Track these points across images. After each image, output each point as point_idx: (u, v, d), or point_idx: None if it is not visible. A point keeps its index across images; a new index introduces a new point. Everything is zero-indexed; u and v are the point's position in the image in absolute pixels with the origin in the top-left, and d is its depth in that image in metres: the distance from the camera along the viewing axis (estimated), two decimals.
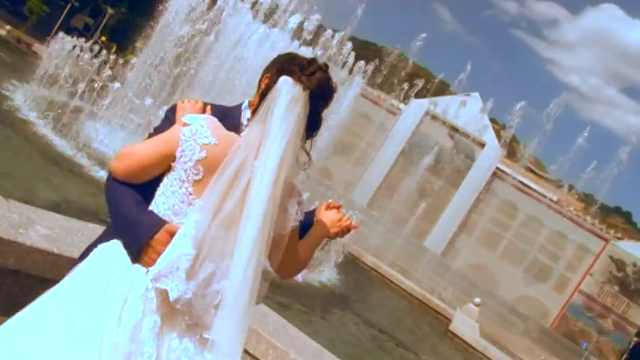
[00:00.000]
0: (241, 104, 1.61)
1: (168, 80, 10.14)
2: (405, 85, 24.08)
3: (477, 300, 10.41)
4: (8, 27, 19.46)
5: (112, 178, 1.47)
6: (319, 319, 6.00)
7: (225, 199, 1.33)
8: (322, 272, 7.93)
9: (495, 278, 25.47)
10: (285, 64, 1.44)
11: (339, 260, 8.53)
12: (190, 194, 1.37)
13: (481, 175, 24.45)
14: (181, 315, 1.33)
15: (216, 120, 1.43)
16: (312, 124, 1.45)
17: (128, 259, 1.37)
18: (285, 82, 1.38)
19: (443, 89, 26.67)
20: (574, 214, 27.02)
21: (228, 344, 1.32)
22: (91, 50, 11.79)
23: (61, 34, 11.26)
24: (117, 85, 9.47)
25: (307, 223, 1.64)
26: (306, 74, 1.42)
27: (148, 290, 1.32)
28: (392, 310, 8.93)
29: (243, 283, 1.33)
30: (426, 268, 15.30)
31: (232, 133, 1.41)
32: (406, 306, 9.53)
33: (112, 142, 7.85)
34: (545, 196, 26.20)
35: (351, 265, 9.56)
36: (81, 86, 9.23)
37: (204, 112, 1.51)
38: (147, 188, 1.42)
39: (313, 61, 1.48)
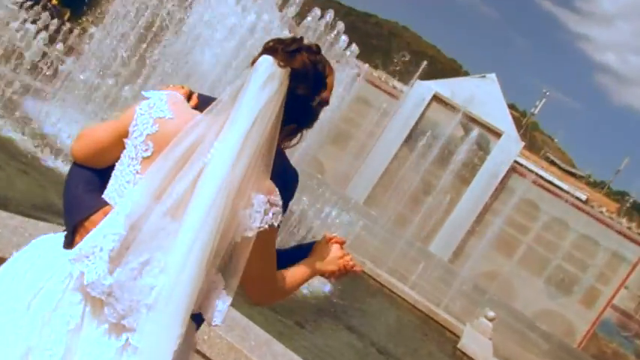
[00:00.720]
0: None
1: (133, 57, 10.13)
2: (405, 64, 24.09)
3: (491, 314, 10.55)
4: None
5: (72, 163, 1.54)
6: (308, 334, 6.09)
7: (173, 181, 1.34)
8: (312, 280, 8.01)
9: (512, 289, 25.69)
10: (268, 44, 1.46)
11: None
12: (137, 173, 1.39)
13: (497, 170, 24.61)
14: (105, 310, 1.33)
15: (181, 97, 1.46)
16: (294, 111, 1.45)
17: (60, 245, 1.40)
18: (265, 60, 1.41)
19: (454, 70, 26.78)
20: (606, 215, 27.28)
21: (152, 353, 1.31)
22: (35, 22, 11.71)
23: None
24: (70, 60, 9.45)
25: (299, 254, 1.69)
26: (287, 51, 1.43)
27: (71, 278, 1.33)
28: (391, 324, 9.05)
29: (178, 282, 1.32)
30: (431, 276, 15.43)
31: (196, 111, 1.43)
32: (408, 319, 9.65)
33: (68, 127, 7.86)
34: (572, 195, 26.42)
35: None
36: (26, 60, 9.19)
37: (189, 100, 1.53)
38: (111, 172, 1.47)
39: (299, 39, 1.49)
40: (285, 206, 1.68)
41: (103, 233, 1.33)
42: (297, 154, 9.67)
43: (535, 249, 26.35)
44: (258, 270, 1.48)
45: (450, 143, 23.12)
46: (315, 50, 1.50)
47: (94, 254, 1.32)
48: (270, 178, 1.46)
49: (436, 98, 24.44)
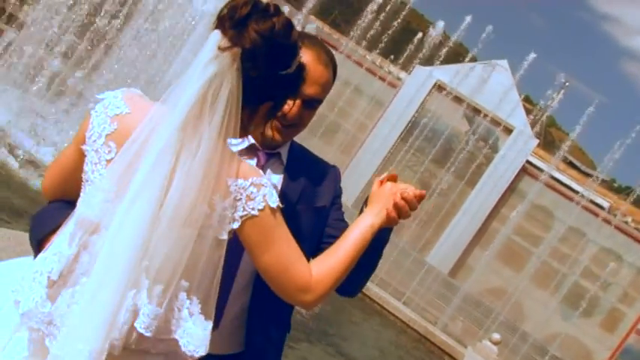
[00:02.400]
0: None
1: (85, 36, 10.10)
2: (401, 43, 24.15)
3: (496, 336, 10.68)
4: None
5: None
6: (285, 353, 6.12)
7: (129, 179, 1.38)
8: None
9: (521, 308, 25.89)
10: (222, 12, 1.46)
11: None
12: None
13: (506, 171, 24.79)
14: (47, 343, 1.34)
15: (138, 92, 1.51)
16: (260, 89, 1.47)
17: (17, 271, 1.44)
18: (212, 38, 1.43)
19: (459, 54, 27.02)
20: (632, 226, 27.58)
21: (78, 330, 1.32)
22: None
23: None
24: (12, 33, 9.41)
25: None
26: (234, 22, 1.43)
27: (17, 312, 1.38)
28: (381, 345, 9.12)
29: (110, 276, 1.33)
30: (428, 291, 15.55)
31: (153, 103, 1.48)
32: (401, 340, 9.74)
33: (6, 109, 7.84)
34: (592, 202, 26.66)
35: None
36: None
37: None
38: None
39: (249, 2, 1.45)
40: (341, 192, 1.96)
41: (45, 255, 1.37)
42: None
43: (548, 263, 26.56)
44: (271, 262, 1.48)
45: (453, 139, 23.28)
46: (271, 13, 1.46)
47: (34, 279, 1.35)
48: (318, 181, 1.61)
49: (438, 87, 24.57)
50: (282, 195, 1.76)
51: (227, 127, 1.42)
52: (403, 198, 1.61)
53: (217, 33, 1.43)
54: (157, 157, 1.36)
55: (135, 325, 1.36)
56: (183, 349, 1.41)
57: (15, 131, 7.24)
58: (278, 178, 1.84)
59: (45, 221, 1.49)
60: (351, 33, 21.88)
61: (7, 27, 9.31)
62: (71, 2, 9.95)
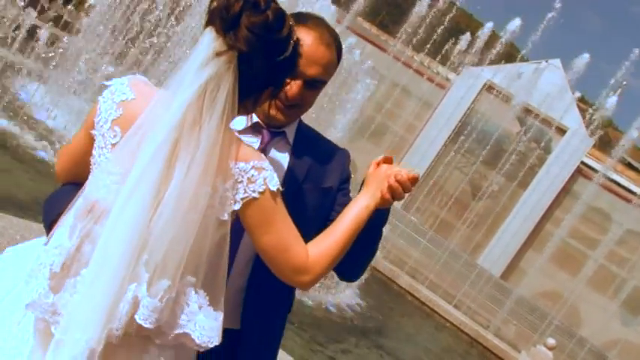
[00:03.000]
0: None
1: (137, 40, 10.32)
2: (450, 43, 23.91)
3: (551, 341, 10.47)
4: None
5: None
6: (330, 354, 6.14)
7: (131, 165, 1.42)
8: (341, 294, 8.08)
9: (577, 312, 25.34)
10: (212, 4, 1.46)
11: (364, 278, 8.67)
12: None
13: (560, 172, 24.34)
14: (52, 331, 1.39)
15: (144, 79, 1.55)
16: (258, 80, 1.51)
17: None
18: (206, 37, 1.45)
19: (509, 54, 26.63)
20: None
21: (79, 319, 1.37)
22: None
23: None
24: (66, 37, 9.67)
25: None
26: (227, 22, 1.43)
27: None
28: (430, 348, 9.05)
29: (110, 262, 1.37)
30: (479, 294, 15.35)
31: (157, 89, 1.52)
32: (452, 343, 9.64)
33: (62, 115, 8.07)
34: None
35: (379, 285, 9.69)
36: (14, 34, 9.46)
37: None
38: None
39: None
40: (349, 176, 1.94)
41: (48, 247, 1.43)
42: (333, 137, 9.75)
43: (606, 266, 25.95)
44: (269, 244, 1.52)
45: (504, 140, 22.96)
46: (262, 8, 1.46)
47: (38, 271, 1.41)
48: (325, 162, 1.63)
49: (488, 87, 24.30)
50: (289, 173, 1.82)
51: (227, 116, 1.47)
52: (397, 180, 1.62)
53: (211, 32, 1.44)
54: (156, 148, 1.41)
55: (135, 317, 1.39)
56: (197, 341, 1.45)
57: (72, 134, 7.42)
58: (283, 157, 1.85)
59: (55, 204, 1.55)
60: (399, 34, 21.79)
61: (63, 33, 9.60)
62: (124, 9, 10.22)
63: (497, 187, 22.98)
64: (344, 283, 8.22)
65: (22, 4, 9.78)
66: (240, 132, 1.76)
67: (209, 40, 1.44)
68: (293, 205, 1.67)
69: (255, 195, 1.48)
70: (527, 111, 23.79)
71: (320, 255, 1.57)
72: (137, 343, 1.45)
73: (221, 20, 1.43)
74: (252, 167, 1.48)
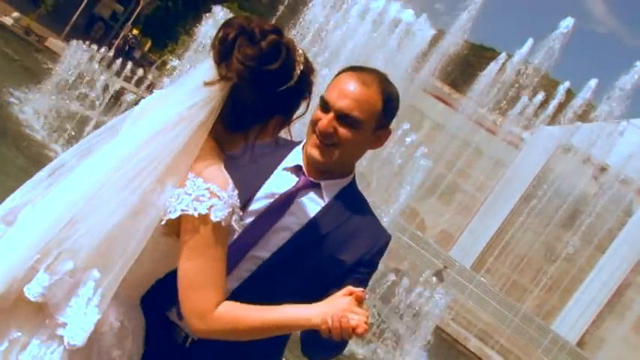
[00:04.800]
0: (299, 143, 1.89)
1: None
2: (525, 102, 23.73)
3: None
4: (16, 14, 20.14)
5: None
6: None
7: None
8: (407, 356, 7.99)
9: None
10: (217, 34, 1.51)
11: (430, 340, 8.55)
12: None
13: None
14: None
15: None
16: (261, 112, 1.53)
17: None
18: (203, 66, 1.52)
19: (587, 113, 26.20)
20: None
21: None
22: (112, 64, 13.02)
23: (74, 43, 12.36)
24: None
25: None
26: (220, 56, 1.47)
27: None
28: None
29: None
30: None
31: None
32: None
33: None
34: None
35: (447, 349, 9.51)
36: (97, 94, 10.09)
37: None
38: None
39: (238, 25, 1.47)
40: (374, 265, 1.82)
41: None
42: (394, 206, 9.81)
43: None
44: (186, 272, 1.45)
45: (581, 201, 22.37)
46: (257, 39, 1.47)
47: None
48: (354, 236, 1.66)
49: (563, 147, 23.88)
50: (308, 226, 1.76)
51: (202, 132, 1.48)
52: (340, 323, 1.46)
53: (208, 63, 1.50)
54: (133, 133, 1.52)
55: (25, 286, 1.41)
56: (61, 331, 1.42)
57: None
58: (311, 208, 1.80)
59: None
60: (470, 93, 21.87)
61: (147, 94, 10.22)
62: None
63: (572, 250, 22.31)
64: (410, 343, 8.13)
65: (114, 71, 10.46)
66: (285, 169, 1.83)
67: (207, 67, 1.49)
68: (295, 256, 1.71)
69: (194, 214, 1.43)
70: (606, 171, 23.23)
71: (227, 316, 1.46)
72: (29, 316, 1.44)
73: (216, 50, 1.47)
74: (207, 189, 1.44)
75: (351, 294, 1.51)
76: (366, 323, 1.47)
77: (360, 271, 1.79)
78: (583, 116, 24.76)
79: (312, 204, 1.81)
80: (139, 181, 1.44)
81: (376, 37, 15.02)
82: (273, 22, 1.60)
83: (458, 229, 24.24)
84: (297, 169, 1.83)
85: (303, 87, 1.57)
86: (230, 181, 1.48)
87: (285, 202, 1.78)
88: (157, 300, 1.68)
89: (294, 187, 1.80)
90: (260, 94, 1.49)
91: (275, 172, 1.84)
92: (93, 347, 1.47)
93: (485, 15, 19.51)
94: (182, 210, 1.43)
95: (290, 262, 1.74)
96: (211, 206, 1.42)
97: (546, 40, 21.18)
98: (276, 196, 1.78)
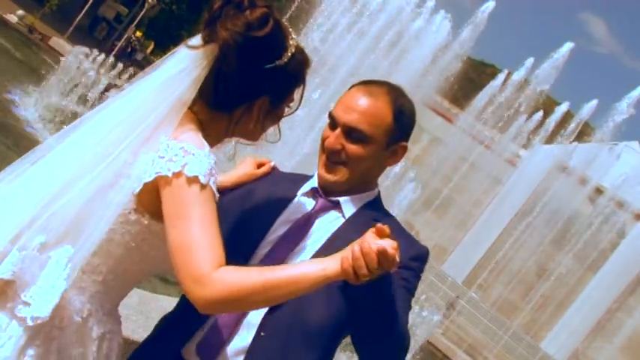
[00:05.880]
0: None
1: None
2: (526, 121, 23.86)
3: None
4: (21, 12, 20.29)
5: None
6: None
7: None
8: None
9: None
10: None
11: (419, 354, 8.61)
12: None
13: (634, 258, 23.57)
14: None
15: None
16: (245, 89, 1.47)
17: None
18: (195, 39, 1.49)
19: (585, 133, 26.34)
20: None
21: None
22: (114, 66, 13.19)
23: (75, 48, 12.47)
24: None
25: None
26: (206, 22, 1.45)
27: None
28: None
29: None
30: None
31: None
32: None
33: None
34: None
35: None
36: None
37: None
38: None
39: None
40: (410, 269, 1.64)
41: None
42: None
43: None
44: (174, 239, 1.33)
45: (574, 221, 22.47)
46: (244, 7, 1.44)
47: None
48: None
49: (560, 166, 24.01)
50: (327, 244, 1.64)
51: (183, 101, 1.44)
52: (361, 250, 1.25)
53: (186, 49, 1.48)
54: (115, 105, 1.49)
55: None
56: (23, 311, 1.34)
57: None
58: (330, 225, 1.69)
59: None
60: (470, 108, 22.00)
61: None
62: None
63: (564, 270, 22.38)
64: None
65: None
66: (303, 194, 1.75)
67: (195, 40, 1.47)
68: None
69: (168, 173, 1.34)
70: (601, 193, 23.33)
71: (229, 278, 1.29)
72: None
73: (203, 20, 1.46)
74: (181, 148, 1.36)
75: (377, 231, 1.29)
76: (393, 248, 1.24)
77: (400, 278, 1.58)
78: (581, 137, 24.90)
79: (333, 222, 1.70)
80: (116, 155, 1.38)
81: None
82: None
83: (451, 244, 24.31)
84: (313, 192, 1.74)
85: (296, 74, 1.52)
86: (207, 145, 1.40)
87: (302, 225, 1.69)
88: (171, 337, 1.64)
89: (312, 209, 1.71)
90: (245, 66, 1.44)
91: (293, 200, 1.75)
92: (52, 343, 1.38)
93: (487, 31, 19.66)
94: (156, 172, 1.35)
95: None
96: (185, 164, 1.33)
97: (547, 61, 21.31)
98: (294, 221, 1.69)
